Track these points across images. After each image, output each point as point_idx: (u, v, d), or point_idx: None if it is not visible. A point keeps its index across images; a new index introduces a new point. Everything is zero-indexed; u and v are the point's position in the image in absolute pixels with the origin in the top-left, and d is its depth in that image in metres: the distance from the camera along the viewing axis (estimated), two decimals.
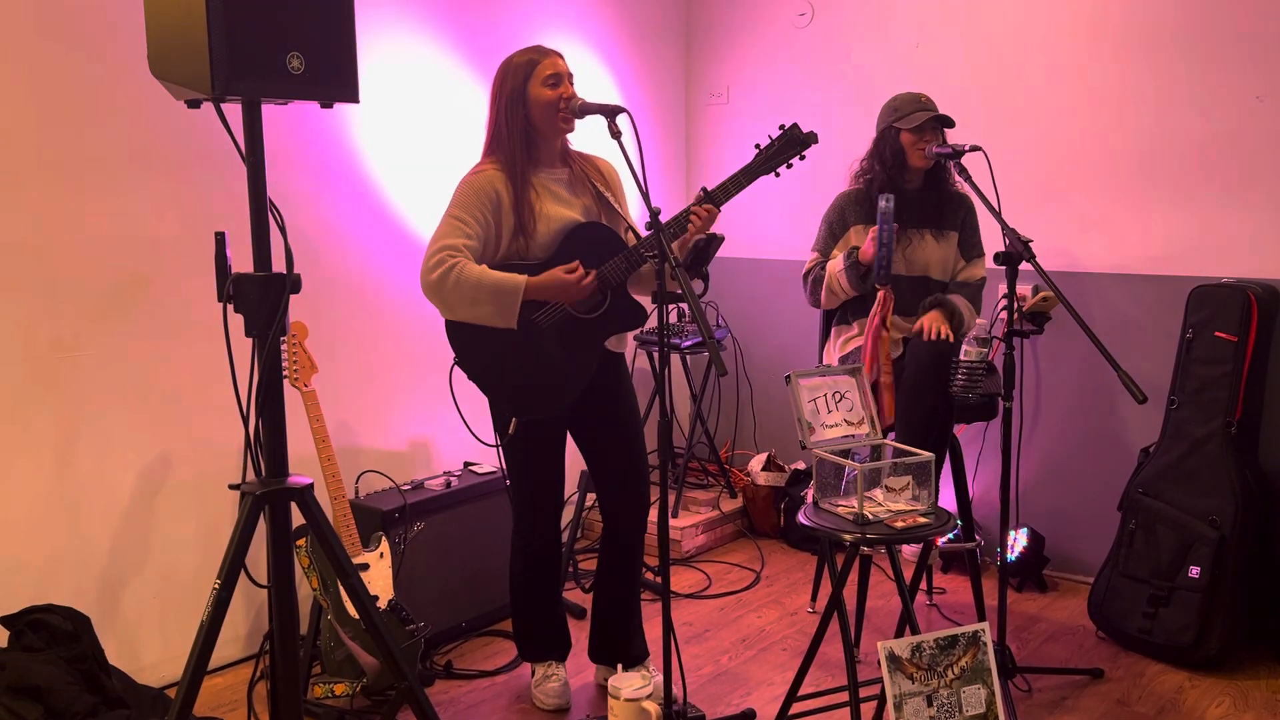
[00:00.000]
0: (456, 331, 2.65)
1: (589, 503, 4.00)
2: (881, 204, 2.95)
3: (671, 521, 4.04)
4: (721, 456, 4.51)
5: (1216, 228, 3.42)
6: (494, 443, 2.82)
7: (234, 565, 1.92)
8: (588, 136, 3.04)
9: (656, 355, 2.54)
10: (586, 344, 2.66)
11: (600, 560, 2.97)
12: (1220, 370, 3.18)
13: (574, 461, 2.94)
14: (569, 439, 2.86)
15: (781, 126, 2.63)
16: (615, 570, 2.93)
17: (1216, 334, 3.20)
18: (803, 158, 2.64)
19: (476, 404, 2.83)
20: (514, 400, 2.67)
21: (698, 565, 3.99)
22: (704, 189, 2.62)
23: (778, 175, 2.67)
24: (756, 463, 4.32)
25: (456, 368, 2.69)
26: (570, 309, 2.64)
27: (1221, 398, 3.17)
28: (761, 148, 2.63)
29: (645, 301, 2.77)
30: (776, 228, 4.47)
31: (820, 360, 3.52)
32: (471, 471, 3.50)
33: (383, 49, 3.46)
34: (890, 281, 3.06)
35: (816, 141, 2.63)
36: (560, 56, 2.67)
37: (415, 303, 2.65)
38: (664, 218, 2.52)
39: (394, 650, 2.10)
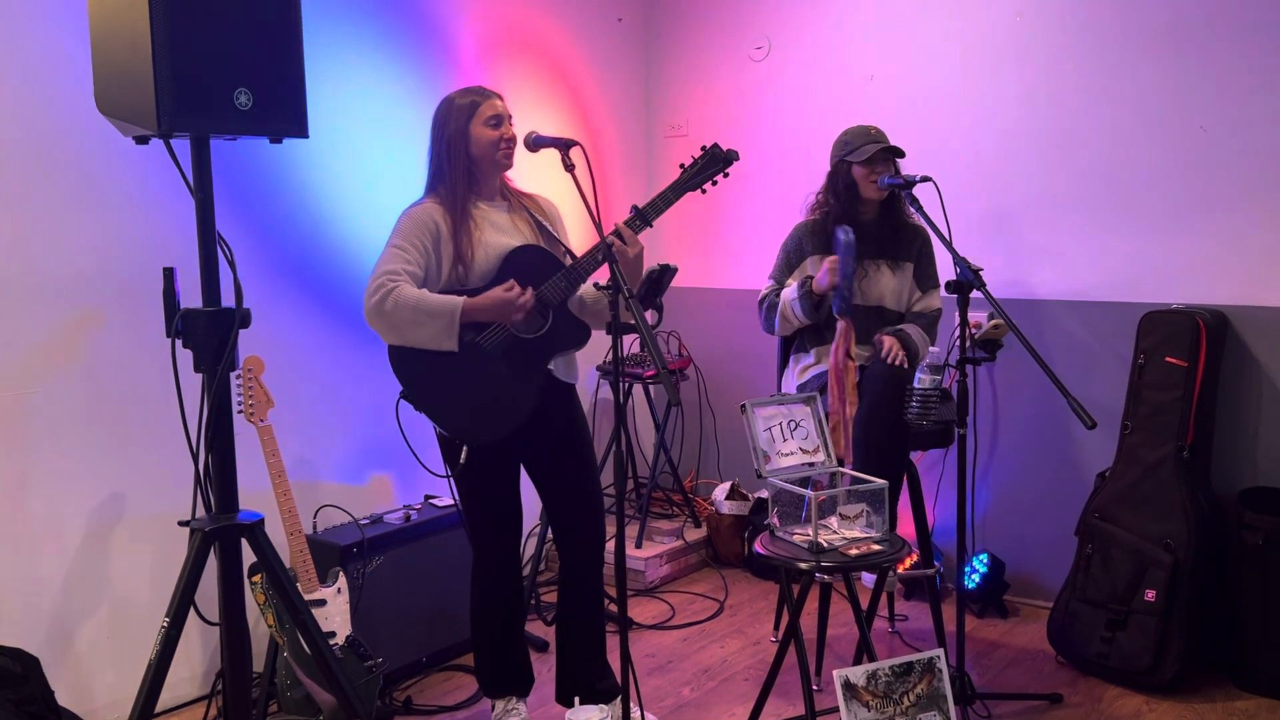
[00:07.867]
0: (401, 358, 2.65)
1: (549, 536, 3.98)
2: (841, 236, 2.98)
3: (635, 552, 4.04)
4: (685, 486, 4.51)
5: (1164, 255, 3.48)
6: (444, 473, 2.81)
7: (183, 602, 1.91)
8: (543, 169, 3.07)
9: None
10: (531, 365, 2.67)
11: (560, 597, 2.94)
12: (1172, 395, 3.23)
13: (533, 494, 2.93)
14: (524, 475, 2.86)
15: (703, 147, 2.70)
16: (576, 607, 2.89)
17: (1167, 359, 3.25)
18: (726, 175, 2.71)
19: (429, 436, 2.81)
20: (461, 426, 2.66)
21: (661, 596, 3.99)
22: (634, 206, 2.67)
23: (704, 192, 2.73)
24: (720, 492, 4.32)
25: (403, 400, 2.69)
26: (513, 330, 2.65)
27: (1173, 422, 3.21)
28: (685, 166, 2.71)
29: (597, 332, 2.78)
30: (738, 257, 4.50)
31: (779, 389, 3.54)
32: (431, 505, 3.49)
33: (333, 81, 3.47)
34: (851, 313, 3.09)
35: (737, 159, 2.70)
36: (500, 98, 2.74)
37: (374, 337, 2.65)
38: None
39: (345, 685, 2.08)
